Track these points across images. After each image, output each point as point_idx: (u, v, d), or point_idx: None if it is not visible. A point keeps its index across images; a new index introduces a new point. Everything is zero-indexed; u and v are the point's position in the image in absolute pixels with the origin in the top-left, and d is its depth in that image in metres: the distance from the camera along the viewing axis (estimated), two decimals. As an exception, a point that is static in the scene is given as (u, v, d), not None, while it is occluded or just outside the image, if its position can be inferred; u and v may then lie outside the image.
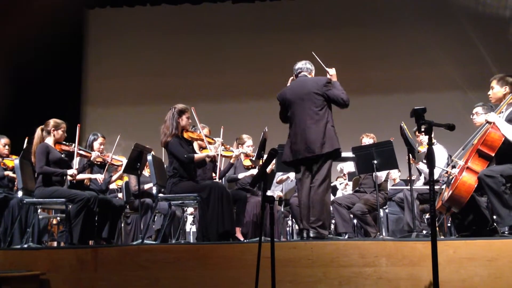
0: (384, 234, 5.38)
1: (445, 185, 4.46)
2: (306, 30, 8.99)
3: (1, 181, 5.34)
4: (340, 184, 6.97)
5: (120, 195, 6.28)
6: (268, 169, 4.79)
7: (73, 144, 4.92)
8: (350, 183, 6.27)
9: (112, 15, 9.55)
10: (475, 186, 3.98)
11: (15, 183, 5.33)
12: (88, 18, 9.68)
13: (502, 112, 4.13)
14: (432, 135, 2.72)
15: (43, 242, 5.61)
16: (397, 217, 6.00)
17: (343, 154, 4.52)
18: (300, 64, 4.51)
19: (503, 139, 3.95)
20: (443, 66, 8.74)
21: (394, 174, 6.49)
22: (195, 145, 5.15)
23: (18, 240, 4.89)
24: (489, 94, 4.27)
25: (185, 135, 4.74)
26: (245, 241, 4.95)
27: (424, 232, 4.80)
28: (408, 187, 5.10)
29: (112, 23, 9.52)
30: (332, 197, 5.39)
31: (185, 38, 9.32)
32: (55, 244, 6.12)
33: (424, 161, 5.24)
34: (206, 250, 3.74)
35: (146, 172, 6.01)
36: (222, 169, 5.49)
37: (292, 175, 5.92)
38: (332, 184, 5.55)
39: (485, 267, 3.41)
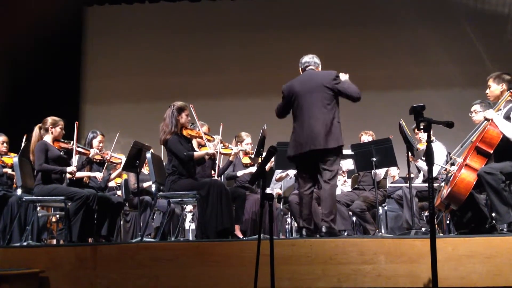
0: (383, 231, 5.39)
1: (444, 182, 4.47)
2: (305, 28, 8.98)
3: (0, 179, 5.34)
4: (338, 181, 6.98)
5: (119, 192, 6.28)
6: (267, 167, 4.80)
7: (72, 142, 4.92)
8: (349, 181, 6.28)
9: (111, 13, 9.53)
10: (474, 183, 3.99)
11: (14, 180, 5.33)
12: (86, 15, 9.65)
13: (500, 109, 4.14)
14: (431, 133, 2.72)
15: (43, 240, 5.61)
16: (396, 214, 6.01)
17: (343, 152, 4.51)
18: (307, 58, 4.44)
19: (501, 136, 3.96)
20: (442, 64, 8.74)
21: (393, 171, 6.49)
22: (194, 143, 5.16)
23: (17, 238, 4.89)
24: (487, 93, 4.29)
25: (184, 132, 4.74)
26: (244, 238, 4.96)
27: (423, 229, 4.80)
28: (407, 184, 5.10)
29: (111, 21, 9.50)
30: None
31: (184, 36, 9.31)
32: (54, 241, 6.13)
33: (423, 158, 5.24)
34: (205, 247, 3.75)
35: (145, 170, 6.01)
36: (221, 166, 5.50)
37: (291, 172, 5.93)
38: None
39: (484, 264, 3.42)
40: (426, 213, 5.54)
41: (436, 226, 5.29)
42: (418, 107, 2.75)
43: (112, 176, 5.67)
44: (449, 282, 3.40)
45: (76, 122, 5.06)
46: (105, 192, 5.46)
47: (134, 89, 9.25)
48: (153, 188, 4.93)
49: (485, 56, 8.56)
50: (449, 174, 4.36)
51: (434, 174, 5.00)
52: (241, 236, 5.09)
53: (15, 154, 5.24)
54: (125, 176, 6.17)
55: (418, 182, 5.59)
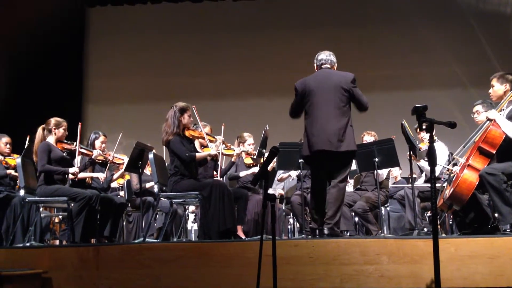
0: (385, 232, 5.38)
1: (446, 182, 4.46)
2: (307, 28, 8.98)
3: (3, 179, 5.36)
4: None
5: (121, 193, 6.29)
6: (269, 167, 4.79)
7: (75, 143, 4.93)
8: (351, 181, 6.27)
9: (113, 13, 9.54)
10: (476, 183, 3.98)
11: (17, 181, 5.35)
12: (89, 16, 9.68)
13: (503, 109, 4.13)
14: (433, 133, 2.72)
15: (45, 241, 5.62)
16: (399, 215, 6.01)
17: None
18: (324, 55, 4.34)
19: (504, 136, 3.95)
20: (445, 64, 8.72)
21: (395, 172, 6.49)
22: (196, 143, 5.16)
23: (20, 238, 4.91)
24: (490, 92, 4.28)
25: (187, 133, 4.75)
26: (246, 239, 4.96)
27: (426, 230, 4.79)
28: (409, 185, 5.10)
29: (113, 21, 9.51)
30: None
31: (186, 36, 9.32)
32: (57, 242, 6.13)
33: (425, 158, 5.23)
34: (208, 248, 3.75)
35: (148, 170, 6.02)
36: (223, 167, 5.50)
37: (293, 173, 5.93)
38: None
39: (486, 265, 3.41)
40: (429, 214, 5.54)
41: (439, 226, 5.28)
42: (420, 108, 2.74)
43: (115, 176, 5.68)
44: (452, 282, 3.39)
45: (80, 123, 5.07)
46: (108, 193, 5.47)
47: (136, 90, 9.27)
48: (156, 189, 4.94)
49: (489, 56, 8.54)
50: (452, 175, 4.35)
51: (436, 174, 4.99)
52: (243, 237, 5.09)
53: (18, 155, 5.25)
54: (127, 176, 6.18)
55: (421, 182, 5.58)
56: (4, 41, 7.83)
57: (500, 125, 3.97)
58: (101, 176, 5.19)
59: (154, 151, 5.22)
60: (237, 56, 9.20)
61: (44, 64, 8.65)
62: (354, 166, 6.05)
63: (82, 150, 5.02)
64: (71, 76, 9.18)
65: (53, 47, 8.55)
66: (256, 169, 5.57)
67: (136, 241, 5.15)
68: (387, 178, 5.67)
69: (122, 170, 5.46)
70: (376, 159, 4.93)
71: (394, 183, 6.36)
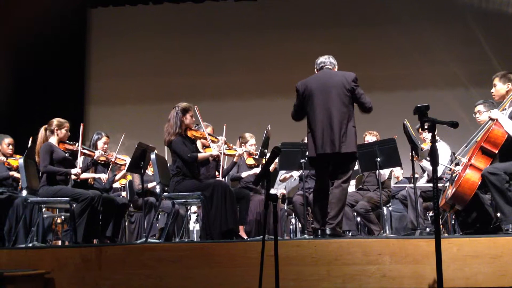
0: (387, 232, 5.37)
1: (448, 182, 4.46)
2: (309, 29, 8.98)
3: (6, 180, 5.36)
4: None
5: (123, 194, 6.30)
6: (271, 168, 4.79)
7: (77, 143, 4.94)
8: (353, 181, 6.27)
9: (115, 14, 9.56)
10: (479, 183, 3.98)
11: (20, 182, 5.36)
12: (91, 17, 9.69)
13: (505, 109, 4.13)
14: (436, 133, 2.71)
15: (48, 241, 5.63)
16: (401, 215, 6.00)
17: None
18: (323, 58, 4.34)
19: (506, 136, 3.95)
20: (446, 63, 8.71)
21: (397, 172, 6.48)
22: (198, 144, 5.16)
23: (22, 239, 4.92)
24: (492, 92, 4.27)
25: (189, 133, 4.75)
26: (248, 239, 4.96)
27: (428, 229, 4.79)
28: (412, 184, 5.09)
29: (115, 22, 9.53)
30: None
31: (187, 37, 9.32)
32: (59, 243, 6.14)
33: (428, 158, 5.23)
34: (210, 248, 3.75)
35: (150, 171, 6.02)
36: (225, 167, 5.50)
37: (295, 173, 5.93)
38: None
39: (489, 265, 3.41)
40: (431, 214, 5.53)
41: (441, 226, 5.28)
42: (422, 107, 2.74)
43: (117, 177, 5.69)
44: (454, 282, 3.39)
45: (82, 124, 5.08)
46: (110, 193, 5.48)
47: (138, 91, 9.28)
48: (158, 189, 4.94)
49: (491, 55, 8.52)
50: (454, 174, 4.34)
51: (439, 174, 4.98)
52: (245, 237, 5.09)
53: (21, 156, 5.26)
54: (129, 177, 6.18)
55: (423, 182, 5.58)
56: (6, 42, 7.84)
57: (502, 125, 3.97)
58: (103, 176, 5.19)
59: (156, 151, 5.22)
60: (239, 56, 9.20)
61: (46, 65, 8.66)
62: (356, 166, 6.06)
63: (84, 151, 5.02)
64: (73, 77, 9.20)
65: (55, 48, 8.56)
66: (258, 170, 5.57)
67: (138, 241, 5.16)
68: (389, 178, 5.67)
69: (124, 170, 5.46)
70: (378, 159, 4.93)
71: (396, 183, 6.35)
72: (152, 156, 5.01)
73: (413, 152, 4.75)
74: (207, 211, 4.47)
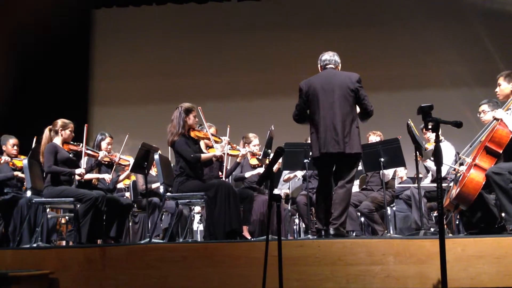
0: (391, 232, 5.37)
1: (452, 182, 4.45)
2: (313, 29, 8.97)
3: (10, 181, 5.38)
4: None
5: (127, 194, 6.31)
6: (275, 168, 4.80)
7: (81, 144, 4.95)
8: (357, 181, 6.26)
9: (119, 15, 9.58)
10: (483, 183, 3.96)
11: (24, 183, 5.37)
12: (94, 18, 9.72)
13: (510, 108, 4.11)
14: (440, 132, 2.71)
15: (52, 242, 5.65)
16: (405, 215, 5.98)
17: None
18: (328, 56, 4.29)
19: (511, 135, 3.93)
20: (450, 63, 8.69)
21: (401, 172, 6.46)
22: (202, 144, 5.17)
23: (27, 239, 4.93)
24: (496, 91, 4.25)
25: (192, 134, 4.76)
26: (252, 239, 4.96)
27: (432, 230, 4.78)
28: (416, 184, 5.08)
29: (119, 23, 9.55)
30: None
31: (191, 37, 9.33)
32: (63, 243, 6.16)
33: (432, 158, 5.21)
34: (213, 248, 3.75)
35: (153, 171, 6.03)
36: (228, 168, 5.50)
37: (299, 173, 5.92)
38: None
39: (493, 265, 3.40)
40: (435, 214, 5.52)
41: (445, 226, 5.26)
42: (426, 107, 2.74)
43: (121, 177, 5.70)
44: (459, 283, 3.38)
45: (86, 125, 5.10)
46: (114, 194, 5.49)
47: (141, 91, 9.30)
48: (161, 190, 4.95)
49: (495, 55, 8.49)
50: (458, 174, 4.33)
51: (443, 174, 4.97)
52: (249, 237, 5.09)
53: (25, 157, 5.28)
54: (133, 177, 6.20)
55: (427, 182, 5.57)
56: (10, 42, 7.87)
57: (507, 125, 3.95)
58: (107, 177, 5.21)
59: (159, 152, 5.23)
60: (242, 56, 9.21)
61: (50, 65, 8.69)
62: (360, 166, 6.05)
63: (88, 152, 5.04)
64: (77, 77, 9.22)
65: (59, 49, 8.58)
66: (261, 170, 5.57)
67: (142, 241, 5.16)
68: (393, 178, 5.66)
69: (128, 171, 5.47)
70: (382, 159, 4.92)
71: (400, 183, 6.34)
72: (156, 156, 5.02)
73: (417, 152, 4.74)
74: (211, 212, 4.47)
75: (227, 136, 5.11)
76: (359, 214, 5.44)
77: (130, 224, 5.81)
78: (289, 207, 6.03)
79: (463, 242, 3.50)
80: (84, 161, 5.00)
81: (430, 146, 5.18)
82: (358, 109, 4.24)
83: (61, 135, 4.86)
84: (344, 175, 4.15)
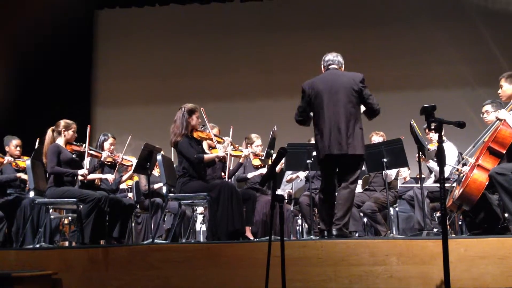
0: (394, 232, 5.36)
1: (455, 183, 4.44)
2: (315, 29, 8.98)
3: (13, 182, 5.40)
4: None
5: (130, 194, 6.31)
6: (278, 168, 4.79)
7: (84, 145, 4.96)
8: (360, 182, 6.25)
9: (121, 16, 9.60)
10: (486, 183, 3.95)
11: (27, 184, 5.39)
12: (97, 18, 9.74)
13: (513, 109, 4.10)
14: (442, 133, 2.70)
15: (55, 242, 5.65)
16: (408, 215, 5.98)
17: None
18: (331, 56, 4.26)
19: (515, 136, 3.92)
20: (453, 63, 8.68)
21: (404, 172, 6.45)
22: (205, 145, 5.17)
23: (30, 240, 4.94)
24: (499, 92, 4.25)
25: (195, 134, 4.76)
26: (255, 240, 4.96)
27: (435, 230, 4.77)
28: (419, 185, 5.07)
29: (121, 24, 9.57)
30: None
31: (194, 38, 9.35)
32: (66, 244, 6.17)
33: (434, 159, 5.20)
34: (216, 249, 3.75)
35: (156, 172, 6.04)
36: (231, 168, 5.50)
37: (301, 174, 5.92)
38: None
39: (497, 265, 3.39)
40: (438, 214, 5.51)
41: (448, 227, 5.25)
42: (429, 108, 2.73)
43: (124, 178, 5.70)
44: (462, 283, 3.37)
45: (89, 125, 5.11)
46: (117, 194, 5.49)
47: (145, 92, 9.31)
48: (164, 190, 4.95)
49: (498, 55, 8.48)
50: (461, 175, 4.32)
51: (446, 174, 4.96)
52: (251, 238, 5.09)
53: (28, 158, 5.29)
54: (136, 178, 6.20)
55: (430, 182, 5.55)
56: (13, 43, 7.89)
57: (510, 125, 3.94)
58: (109, 177, 5.21)
59: (162, 152, 5.23)
60: (245, 57, 9.21)
61: (53, 66, 8.71)
62: (362, 167, 6.04)
63: (91, 152, 5.04)
64: (80, 78, 9.25)
65: (62, 49, 8.60)
66: (264, 170, 5.57)
67: (145, 242, 5.17)
68: (396, 178, 5.65)
69: (131, 171, 5.48)
70: (385, 160, 4.91)
71: (403, 184, 6.33)
72: (159, 157, 5.03)
73: (420, 152, 4.72)
74: (214, 212, 4.47)
75: (230, 137, 5.11)
76: (362, 214, 5.44)
77: (133, 224, 5.81)
78: (291, 208, 6.02)
79: (466, 242, 3.49)
80: (87, 161, 5.01)
81: (433, 146, 5.17)
82: (362, 108, 4.23)
83: (64, 135, 4.86)
84: (348, 176, 4.14)
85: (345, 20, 9.03)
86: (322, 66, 4.34)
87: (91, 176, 5.03)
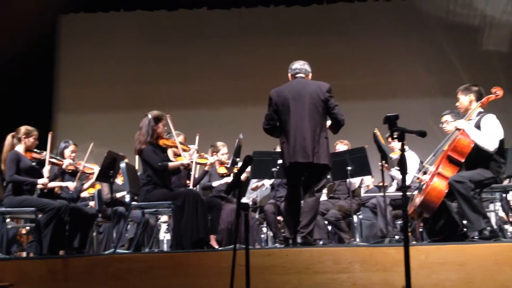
0: (357, 240, 5.42)
1: (416, 190, 4.53)
2: (281, 37, 9.03)
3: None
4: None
5: (92, 203, 6.17)
6: (243, 177, 4.79)
7: (44, 152, 4.82)
8: (325, 190, 6.31)
9: (86, 21, 9.41)
10: (446, 191, 4.05)
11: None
12: (61, 23, 9.52)
13: (471, 119, 4.23)
14: (405, 142, 2.75)
15: (12, 253, 5.46)
16: (371, 223, 6.06)
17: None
18: (298, 65, 4.28)
19: (473, 145, 4.05)
20: (416, 73, 8.90)
21: (368, 180, 6.55)
22: (170, 152, 5.11)
23: (-15, 250, 4.76)
24: (457, 105, 4.39)
25: (160, 142, 4.71)
26: (219, 248, 4.93)
27: (397, 237, 4.85)
28: (381, 193, 5.16)
29: (86, 29, 9.37)
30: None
31: (160, 44, 9.25)
32: (24, 254, 5.97)
33: (397, 167, 5.31)
34: (180, 258, 3.71)
35: (119, 180, 5.92)
36: (196, 176, 5.46)
37: (266, 182, 5.93)
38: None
39: (456, 272, 3.47)
40: (400, 221, 5.61)
41: (410, 234, 5.36)
42: (392, 117, 2.77)
43: (85, 186, 5.58)
44: (423, 289, 3.44)
45: (50, 132, 4.97)
46: (78, 203, 5.36)
47: (109, 99, 9.14)
48: (127, 199, 4.86)
49: (458, 66, 8.75)
50: (422, 183, 4.42)
51: (407, 182, 5.06)
52: (216, 246, 5.06)
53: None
54: (98, 186, 6.07)
55: (392, 190, 5.66)
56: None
57: (469, 134, 4.07)
58: (70, 185, 5.08)
59: (126, 160, 5.15)
60: (211, 64, 9.18)
61: (14, 71, 8.45)
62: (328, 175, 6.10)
63: (52, 160, 4.91)
64: (42, 84, 9.00)
65: (23, 55, 8.36)
66: (229, 179, 5.55)
67: (107, 252, 5.06)
68: (360, 186, 5.73)
69: (93, 179, 5.36)
70: (349, 168, 4.98)
71: (366, 192, 6.42)
72: (122, 165, 4.94)
73: (383, 161, 4.81)
74: (178, 220, 4.42)
75: (196, 145, 5.08)
76: (326, 222, 5.48)
77: (94, 234, 5.68)
78: (257, 216, 6.02)
79: (427, 249, 3.57)
80: (47, 169, 4.86)
81: (395, 155, 5.27)
82: (328, 122, 4.27)
83: (24, 143, 4.72)
84: (313, 184, 4.17)
85: (311, 28, 9.13)
86: (289, 74, 4.36)
87: (52, 184, 4.89)
